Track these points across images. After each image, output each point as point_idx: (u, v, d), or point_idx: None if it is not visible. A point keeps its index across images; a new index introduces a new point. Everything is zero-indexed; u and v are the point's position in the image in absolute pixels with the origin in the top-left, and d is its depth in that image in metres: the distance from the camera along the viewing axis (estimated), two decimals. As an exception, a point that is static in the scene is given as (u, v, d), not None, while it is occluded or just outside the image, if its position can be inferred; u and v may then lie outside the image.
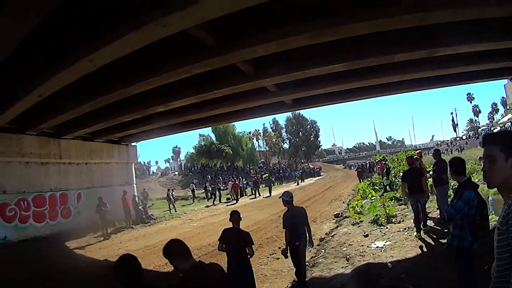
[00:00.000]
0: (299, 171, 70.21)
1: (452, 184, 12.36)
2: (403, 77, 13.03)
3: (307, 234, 8.16)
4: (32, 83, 9.90)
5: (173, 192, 32.21)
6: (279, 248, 11.80)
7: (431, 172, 12.57)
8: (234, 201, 34.46)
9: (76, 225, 19.18)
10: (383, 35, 9.08)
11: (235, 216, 7.09)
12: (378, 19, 7.52)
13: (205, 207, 31.43)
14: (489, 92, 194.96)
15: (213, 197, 35.09)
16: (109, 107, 13.26)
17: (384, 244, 10.30)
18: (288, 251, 7.91)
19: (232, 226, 7.04)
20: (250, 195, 39.09)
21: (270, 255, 12.02)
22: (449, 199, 10.47)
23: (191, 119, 17.62)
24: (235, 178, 45.07)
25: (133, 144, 24.91)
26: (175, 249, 3.74)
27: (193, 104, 14.09)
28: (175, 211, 28.84)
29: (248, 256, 6.88)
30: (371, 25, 7.79)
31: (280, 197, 8.39)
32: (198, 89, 12.34)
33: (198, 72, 10.04)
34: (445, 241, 6.12)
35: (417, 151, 14.45)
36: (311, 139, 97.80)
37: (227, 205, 31.64)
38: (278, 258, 11.27)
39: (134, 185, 25.57)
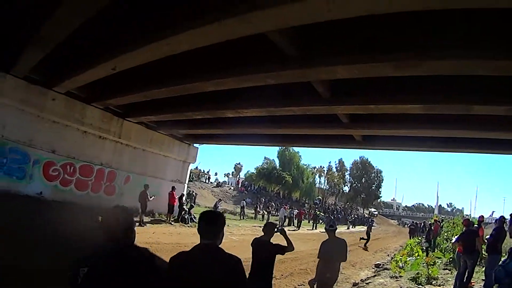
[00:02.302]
0: (353, 216, 70.10)
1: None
2: (477, 134, 12.29)
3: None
4: (109, 53, 9.77)
5: (220, 204, 32.57)
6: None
7: (487, 237, 11.88)
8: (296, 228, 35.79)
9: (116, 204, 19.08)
10: (463, 82, 8.74)
11: (268, 228, 6.73)
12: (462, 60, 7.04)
13: (252, 226, 30.84)
14: None
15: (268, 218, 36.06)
16: (179, 99, 13.25)
17: (418, 305, 9.62)
18: (316, 284, 7.43)
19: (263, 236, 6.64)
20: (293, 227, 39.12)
21: (299, 285, 11.63)
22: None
23: (258, 133, 17.52)
24: (298, 207, 46.34)
25: (195, 145, 24.86)
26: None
27: (263, 117, 13.94)
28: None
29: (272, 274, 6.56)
30: (454, 65, 7.35)
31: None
32: (269, 102, 12.11)
33: (272, 82, 9.76)
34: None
35: (480, 216, 13.82)
36: (373, 187, 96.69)
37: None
38: (305, 290, 10.92)
39: (185, 185, 25.47)
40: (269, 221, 7.14)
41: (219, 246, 3.41)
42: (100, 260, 2.89)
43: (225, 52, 8.96)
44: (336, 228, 7.61)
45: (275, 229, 6.75)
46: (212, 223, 3.49)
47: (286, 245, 6.67)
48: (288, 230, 31.99)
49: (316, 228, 38.63)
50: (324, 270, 7.27)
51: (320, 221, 43.06)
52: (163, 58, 9.04)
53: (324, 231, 8.06)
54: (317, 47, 8.07)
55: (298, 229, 36.35)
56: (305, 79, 9.41)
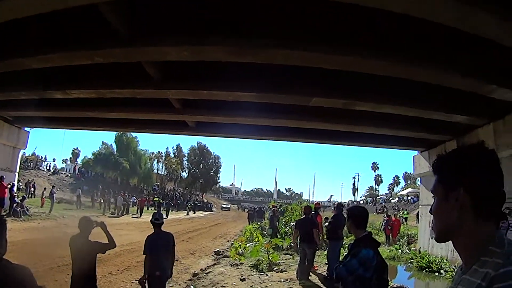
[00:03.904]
0: (192, 202, 71.53)
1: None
2: (316, 125, 12.96)
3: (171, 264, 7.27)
4: None
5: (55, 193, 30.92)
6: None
7: (326, 224, 12.43)
8: (138, 215, 36.86)
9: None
10: (303, 74, 9.11)
11: (83, 224, 6.08)
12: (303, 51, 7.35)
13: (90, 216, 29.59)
14: (395, 165, 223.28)
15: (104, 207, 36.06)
16: (4, 77, 11.52)
17: (260, 292, 9.64)
18: (146, 282, 6.93)
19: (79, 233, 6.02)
20: (134, 214, 39.02)
21: (136, 280, 10.56)
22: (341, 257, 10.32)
23: (90, 117, 16.24)
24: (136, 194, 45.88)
25: (26, 129, 22.09)
26: None
27: (93, 99, 12.98)
28: (50, 212, 26.94)
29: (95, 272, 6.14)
30: (300, 55, 7.63)
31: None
32: (97, 83, 11.25)
33: (100, 61, 8.98)
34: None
35: (316, 202, 14.36)
36: (211, 173, 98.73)
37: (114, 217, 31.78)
38: (143, 286, 10.40)
39: (16, 174, 22.69)
40: (86, 215, 6.16)
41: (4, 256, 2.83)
42: None
43: (54, 25, 8.12)
44: (163, 222, 7.19)
45: (93, 224, 6.16)
46: None
47: (107, 241, 6.18)
48: (132, 217, 31.97)
49: (167, 216, 38.33)
50: (152, 268, 6.83)
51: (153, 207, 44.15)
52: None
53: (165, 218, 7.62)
54: (148, 25, 7.68)
55: (140, 216, 36.80)
56: (134, 59, 8.91)
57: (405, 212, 43.44)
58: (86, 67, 9.77)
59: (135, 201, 44.69)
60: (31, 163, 55.68)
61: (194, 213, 58.33)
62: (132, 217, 35.40)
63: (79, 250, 5.83)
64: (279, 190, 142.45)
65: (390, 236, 23.91)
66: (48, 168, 65.15)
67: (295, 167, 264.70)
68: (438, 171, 1.51)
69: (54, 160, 73.01)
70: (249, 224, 30.59)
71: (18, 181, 25.08)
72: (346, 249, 13.02)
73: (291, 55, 7.64)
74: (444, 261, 14.33)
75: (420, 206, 19.17)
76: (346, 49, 7.21)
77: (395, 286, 10.22)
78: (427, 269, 14.58)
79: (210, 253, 17.59)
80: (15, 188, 21.71)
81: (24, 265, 2.81)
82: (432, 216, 1.50)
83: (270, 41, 7.21)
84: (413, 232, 25.08)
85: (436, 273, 14.05)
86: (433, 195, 1.51)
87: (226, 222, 42.85)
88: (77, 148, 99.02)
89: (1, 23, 7.39)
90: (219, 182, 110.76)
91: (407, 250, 18.93)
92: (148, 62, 9.15)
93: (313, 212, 13.93)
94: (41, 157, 69.20)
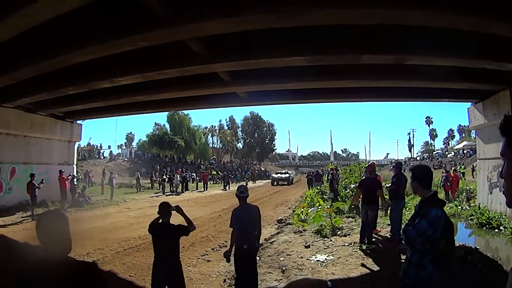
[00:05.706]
0: (250, 172, 71.74)
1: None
2: (367, 83, 12.73)
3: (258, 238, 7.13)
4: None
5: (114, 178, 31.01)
6: (213, 249, 11.20)
7: (388, 185, 12.19)
8: (201, 190, 38.18)
9: (6, 201, 17.93)
10: (352, 32, 8.89)
11: (163, 209, 6.09)
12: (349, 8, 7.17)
13: (150, 197, 30.15)
14: (448, 118, 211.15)
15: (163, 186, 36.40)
16: (51, 75, 12.05)
17: (326, 258, 9.56)
18: (232, 254, 6.79)
19: (160, 219, 6.09)
20: (194, 189, 39.69)
21: (201, 256, 10.94)
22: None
23: (140, 101, 16.63)
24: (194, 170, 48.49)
25: (78, 122, 23.19)
26: None
27: (141, 83, 13.19)
28: (111, 198, 27.19)
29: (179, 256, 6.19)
30: (341, 14, 7.48)
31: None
32: (144, 67, 11.42)
33: (143, 45, 9.13)
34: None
35: (371, 162, 13.94)
36: (266, 141, 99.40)
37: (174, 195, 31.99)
38: (209, 261, 10.38)
39: (74, 166, 23.92)
40: (165, 201, 6.14)
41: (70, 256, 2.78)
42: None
43: (90, 17, 8.27)
44: (248, 195, 6.96)
45: (171, 208, 6.15)
46: (52, 230, 2.67)
47: (186, 224, 6.15)
48: (198, 192, 33.04)
49: (229, 188, 39.44)
50: (239, 241, 6.67)
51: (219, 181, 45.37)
52: (27, 33, 8.26)
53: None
54: (187, 4, 7.68)
55: (206, 190, 38.76)
56: (176, 38, 8.93)
57: (462, 167, 42.22)
58: (131, 53, 9.83)
59: (194, 177, 45.93)
60: (89, 153, 56.83)
61: (254, 182, 58.50)
62: (198, 192, 36.44)
63: (162, 235, 5.95)
64: (335, 152, 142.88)
65: (450, 193, 23.00)
66: (103, 155, 66.51)
67: (350, 128, 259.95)
68: (506, 133, 1.41)
69: (109, 147, 74.53)
70: (309, 189, 30.40)
71: (77, 172, 25.73)
72: (407, 209, 12.86)
73: (331, 14, 7.46)
74: (503, 217, 13.89)
75: (477, 160, 18.29)
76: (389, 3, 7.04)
77: (457, 245, 9.97)
78: (487, 226, 14.17)
79: (272, 222, 17.54)
80: (74, 180, 22.41)
81: (88, 260, 2.84)
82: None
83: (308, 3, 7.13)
84: (471, 187, 24.04)
85: (496, 230, 13.65)
86: (503, 158, 1.41)
87: (285, 189, 42.46)
88: (130, 132, 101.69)
89: (43, 23, 7.58)
90: (275, 149, 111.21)
91: (466, 207, 18.30)
92: (191, 39, 9.19)
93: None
94: (97, 146, 70.82)
